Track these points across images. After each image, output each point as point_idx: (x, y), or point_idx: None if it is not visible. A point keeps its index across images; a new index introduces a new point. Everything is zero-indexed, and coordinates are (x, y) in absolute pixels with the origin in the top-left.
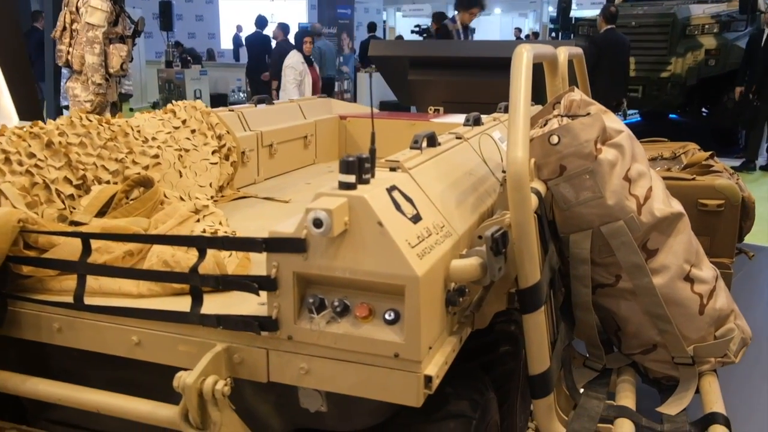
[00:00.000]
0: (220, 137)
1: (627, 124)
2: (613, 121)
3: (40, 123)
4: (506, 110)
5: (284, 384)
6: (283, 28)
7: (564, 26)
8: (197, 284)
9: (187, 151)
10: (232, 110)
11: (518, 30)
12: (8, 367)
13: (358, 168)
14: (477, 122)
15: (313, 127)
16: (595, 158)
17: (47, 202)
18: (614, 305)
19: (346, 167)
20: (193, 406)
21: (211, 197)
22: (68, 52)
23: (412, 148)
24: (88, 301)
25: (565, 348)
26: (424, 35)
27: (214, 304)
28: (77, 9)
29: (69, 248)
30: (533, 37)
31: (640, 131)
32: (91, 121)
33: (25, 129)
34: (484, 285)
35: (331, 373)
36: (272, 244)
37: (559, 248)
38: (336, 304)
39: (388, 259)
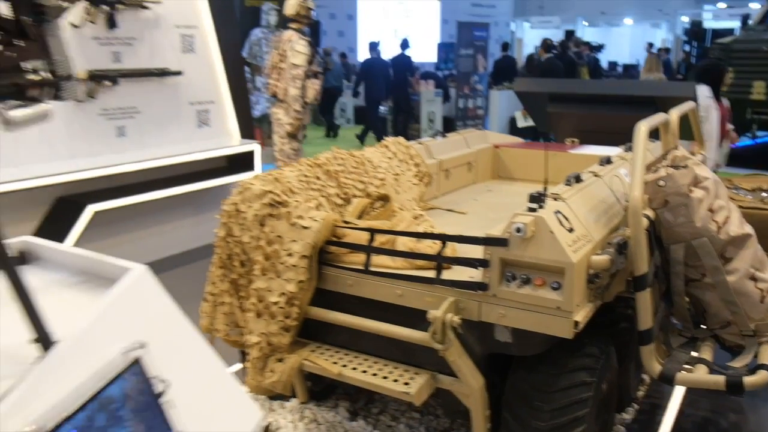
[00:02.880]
0: (417, 164)
1: (758, 144)
2: (703, 170)
3: (320, 156)
4: (630, 149)
5: (487, 322)
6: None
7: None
8: (440, 262)
9: (398, 175)
10: (421, 143)
11: (650, 45)
12: (318, 305)
13: (539, 199)
14: (608, 162)
15: (475, 154)
16: (688, 196)
17: (330, 209)
18: (700, 294)
19: (533, 199)
20: (438, 329)
21: (415, 209)
22: (275, 86)
23: (566, 184)
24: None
25: (663, 319)
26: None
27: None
28: (284, 52)
29: (354, 236)
30: (664, 53)
31: None
32: (344, 156)
33: (311, 162)
34: (611, 273)
35: (518, 316)
36: (489, 241)
37: (663, 254)
38: (523, 276)
39: (556, 252)
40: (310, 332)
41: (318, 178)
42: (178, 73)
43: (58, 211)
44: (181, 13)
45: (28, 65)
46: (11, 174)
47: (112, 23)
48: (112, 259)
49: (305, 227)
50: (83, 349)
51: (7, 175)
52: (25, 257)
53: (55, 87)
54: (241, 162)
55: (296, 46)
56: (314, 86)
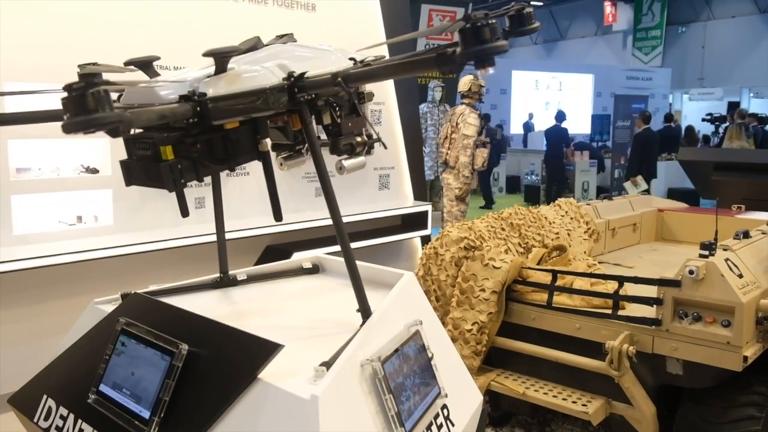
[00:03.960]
0: (587, 222)
1: None
2: None
3: (504, 211)
4: None
5: (659, 355)
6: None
7: None
8: (617, 299)
9: (570, 230)
10: (589, 204)
11: None
12: (504, 336)
13: (710, 247)
14: None
15: (639, 217)
16: None
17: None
18: None
19: (704, 246)
20: (615, 357)
21: (587, 260)
22: (447, 153)
23: (734, 238)
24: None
25: None
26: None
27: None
28: (457, 124)
29: (537, 277)
30: None
31: None
32: (524, 212)
33: (497, 215)
34: None
35: (689, 349)
36: (663, 282)
37: None
38: (694, 314)
39: (726, 293)
40: (495, 360)
41: (503, 229)
42: (378, 140)
43: (267, 257)
44: (374, 91)
45: (355, 131)
46: (234, 225)
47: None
48: (384, 268)
49: (496, 267)
50: (385, 320)
51: (231, 226)
52: (318, 267)
53: (370, 146)
54: (415, 221)
55: (468, 119)
56: (482, 154)
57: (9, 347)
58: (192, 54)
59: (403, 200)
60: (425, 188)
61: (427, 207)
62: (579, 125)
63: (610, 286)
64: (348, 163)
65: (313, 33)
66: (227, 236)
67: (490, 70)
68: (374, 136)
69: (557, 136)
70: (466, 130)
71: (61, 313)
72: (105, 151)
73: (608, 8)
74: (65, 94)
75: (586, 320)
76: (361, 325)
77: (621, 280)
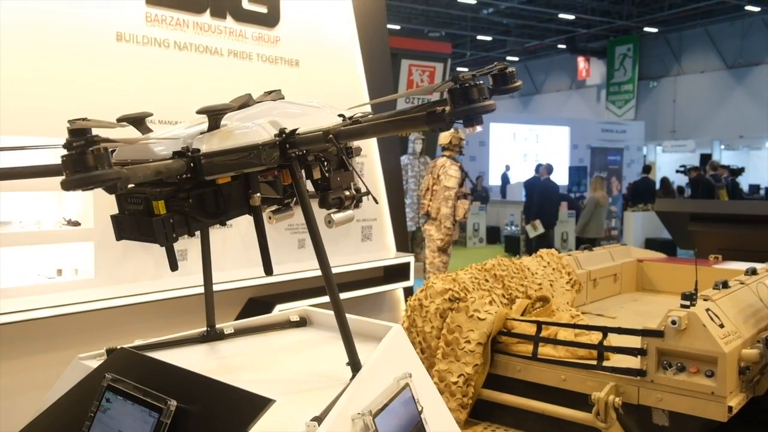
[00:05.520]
0: (569, 273)
1: None
2: None
3: (488, 262)
4: None
5: (645, 406)
6: (549, 168)
7: None
8: (602, 350)
9: (552, 281)
10: (570, 255)
11: None
12: (490, 387)
13: (690, 298)
14: (754, 273)
15: (620, 267)
16: None
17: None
18: None
19: (685, 297)
20: (602, 409)
21: (570, 310)
22: (428, 205)
23: (714, 288)
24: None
25: None
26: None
27: (603, 361)
28: (438, 176)
29: (522, 329)
30: None
31: None
32: (507, 263)
33: (480, 267)
34: (762, 366)
35: (674, 400)
36: (646, 332)
37: None
38: (678, 364)
39: (708, 343)
40: (481, 413)
41: (487, 280)
42: (367, 193)
43: (250, 309)
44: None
45: (344, 185)
46: (217, 277)
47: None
48: (372, 321)
49: (481, 319)
50: (375, 374)
51: (214, 278)
52: (305, 320)
53: (358, 200)
54: (397, 272)
55: (449, 171)
56: (464, 206)
57: None
58: (177, 107)
59: (386, 252)
60: (407, 239)
61: (410, 258)
62: (555, 176)
63: (594, 337)
64: (337, 216)
65: (297, 87)
66: None
67: (478, 128)
68: (363, 190)
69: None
70: (447, 181)
71: (41, 369)
72: (87, 203)
73: (582, 63)
74: (65, 151)
75: (572, 371)
76: (351, 379)
77: (605, 330)
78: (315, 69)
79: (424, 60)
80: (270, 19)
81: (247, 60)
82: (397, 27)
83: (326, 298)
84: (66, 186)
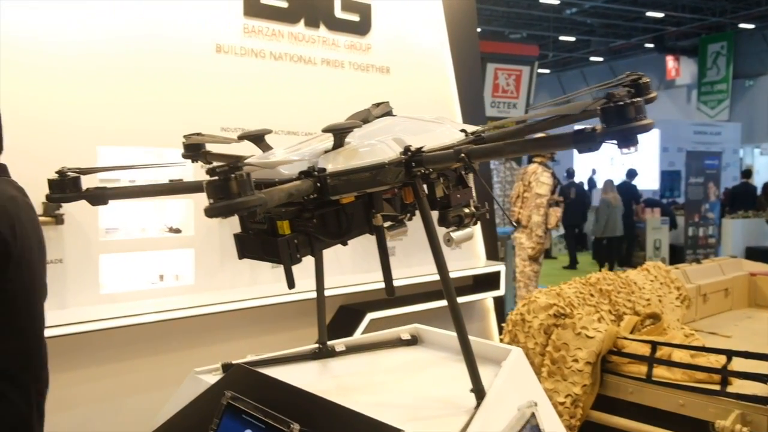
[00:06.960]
0: (678, 288)
1: None
2: None
3: (592, 276)
4: None
5: None
6: (630, 173)
7: None
8: (726, 375)
9: (661, 296)
10: (678, 268)
11: None
12: (599, 409)
13: None
14: None
15: (731, 281)
16: None
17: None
18: None
19: None
20: None
21: (683, 328)
22: (519, 212)
23: None
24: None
25: None
26: None
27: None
28: (529, 183)
29: (634, 348)
30: None
31: None
32: (612, 277)
33: (584, 281)
34: None
35: None
36: None
37: None
38: None
39: None
40: None
41: (592, 295)
42: (486, 211)
43: (341, 316)
44: None
45: (463, 202)
46: (308, 285)
47: None
48: (490, 342)
49: (590, 337)
50: (499, 401)
51: (305, 286)
52: (416, 339)
53: (478, 218)
54: (487, 281)
55: (541, 178)
56: (556, 213)
57: (89, 404)
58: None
59: (476, 260)
60: (497, 247)
61: (500, 267)
62: (646, 181)
63: (713, 359)
64: (456, 235)
65: (388, 95)
66: (302, 297)
67: (633, 149)
68: (483, 209)
69: (627, 192)
70: (539, 189)
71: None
72: (188, 211)
73: (671, 63)
74: (207, 177)
75: (691, 396)
76: (477, 407)
77: (729, 354)
78: (406, 76)
79: (510, 63)
80: (362, 27)
81: (339, 68)
82: (478, 30)
83: (418, 307)
84: (210, 213)
